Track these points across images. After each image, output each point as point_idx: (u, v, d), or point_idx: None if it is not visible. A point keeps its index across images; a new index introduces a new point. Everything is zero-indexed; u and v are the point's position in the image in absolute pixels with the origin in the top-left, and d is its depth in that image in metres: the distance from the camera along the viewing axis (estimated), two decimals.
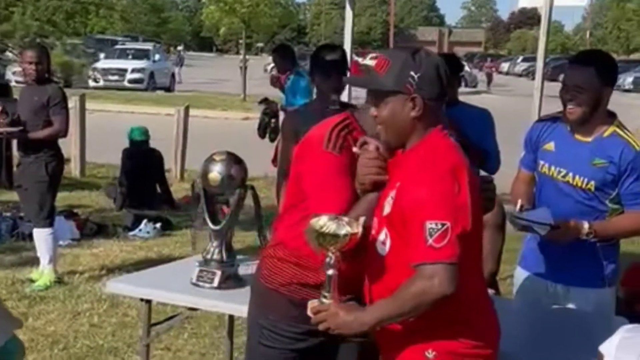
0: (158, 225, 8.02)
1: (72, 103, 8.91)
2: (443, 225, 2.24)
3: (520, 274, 3.49)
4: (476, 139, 4.12)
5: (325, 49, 4.35)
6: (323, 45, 4.59)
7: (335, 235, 2.30)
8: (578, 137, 3.26)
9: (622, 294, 4.45)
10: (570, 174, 3.26)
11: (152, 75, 29.59)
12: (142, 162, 8.72)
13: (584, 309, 3.30)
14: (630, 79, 39.62)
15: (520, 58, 57.24)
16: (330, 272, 2.33)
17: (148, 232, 7.88)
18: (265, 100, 8.36)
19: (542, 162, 3.36)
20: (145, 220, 7.99)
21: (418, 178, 2.32)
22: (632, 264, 4.74)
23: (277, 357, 2.71)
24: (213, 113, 20.86)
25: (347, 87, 4.42)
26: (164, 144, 10.08)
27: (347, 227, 2.31)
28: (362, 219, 2.36)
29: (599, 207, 3.25)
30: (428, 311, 2.29)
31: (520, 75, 49.42)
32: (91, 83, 28.10)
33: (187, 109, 11.46)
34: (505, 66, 56.70)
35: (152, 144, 9.23)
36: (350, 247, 2.33)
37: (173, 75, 31.39)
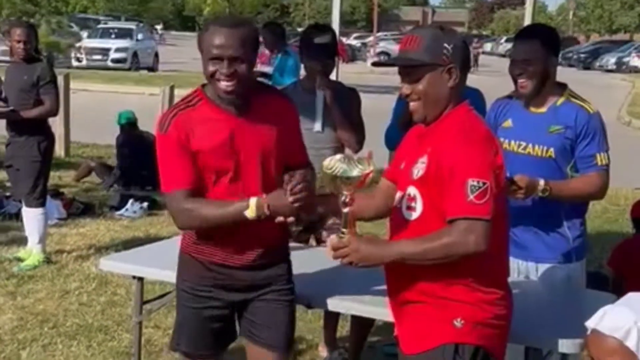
0: (145, 204, 8.04)
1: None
2: (484, 184, 2.33)
3: None
4: None
5: (315, 29, 4.37)
6: (313, 25, 4.60)
7: (348, 177, 2.41)
8: (533, 109, 3.36)
9: (611, 274, 4.52)
10: (530, 145, 3.34)
11: (135, 54, 29.35)
12: (136, 147, 8.74)
13: (555, 284, 3.37)
14: (613, 60, 39.85)
15: (504, 39, 57.29)
16: (346, 210, 2.43)
17: (135, 212, 7.90)
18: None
19: (502, 139, 3.39)
20: (131, 200, 8.01)
21: (457, 141, 2.40)
22: (618, 244, 4.77)
23: (196, 316, 2.93)
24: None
25: (335, 68, 4.42)
26: (145, 124, 9.97)
27: (359, 166, 2.41)
28: (371, 154, 2.50)
29: (559, 175, 3.31)
30: (453, 270, 2.38)
31: (503, 56, 49.34)
32: (74, 62, 27.91)
33: (172, 88, 11.41)
34: (488, 46, 56.75)
35: (139, 124, 9.28)
36: (364, 184, 2.44)
37: (157, 54, 31.13)
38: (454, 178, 2.35)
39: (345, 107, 4.24)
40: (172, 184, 2.69)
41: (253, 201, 2.59)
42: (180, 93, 13.84)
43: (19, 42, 5.89)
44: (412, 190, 2.50)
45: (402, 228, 2.54)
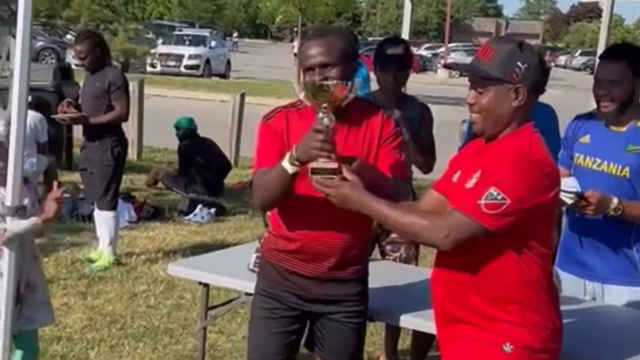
0: (212, 210, 8.15)
1: (131, 87, 8.95)
2: (503, 200, 2.29)
3: (558, 274, 3.48)
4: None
5: (389, 42, 4.39)
6: (388, 38, 4.61)
7: (323, 86, 2.54)
8: (613, 128, 3.30)
9: None
10: (605, 162, 3.29)
11: (208, 61, 29.91)
12: (201, 154, 8.88)
13: (619, 308, 3.31)
14: None
15: (579, 52, 56.33)
16: (326, 120, 2.53)
17: (203, 217, 8.00)
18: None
19: (577, 155, 3.39)
20: (200, 206, 8.12)
21: (508, 157, 2.36)
22: None
23: (266, 320, 2.96)
24: (267, 100, 21.07)
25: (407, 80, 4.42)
26: (215, 130, 10.19)
27: (334, 81, 2.58)
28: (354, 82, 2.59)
29: (632, 195, 3.24)
30: (508, 291, 2.36)
31: (577, 69, 48.62)
32: (149, 68, 28.47)
33: (242, 96, 11.56)
34: (562, 59, 55.82)
35: (205, 130, 9.42)
36: (339, 99, 2.54)
37: (229, 62, 31.57)
38: (483, 179, 2.34)
39: (416, 125, 4.24)
40: (259, 164, 2.79)
41: (288, 152, 2.66)
42: (251, 101, 14.17)
43: (80, 58, 6.05)
44: None
45: None
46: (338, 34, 2.80)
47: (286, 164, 2.63)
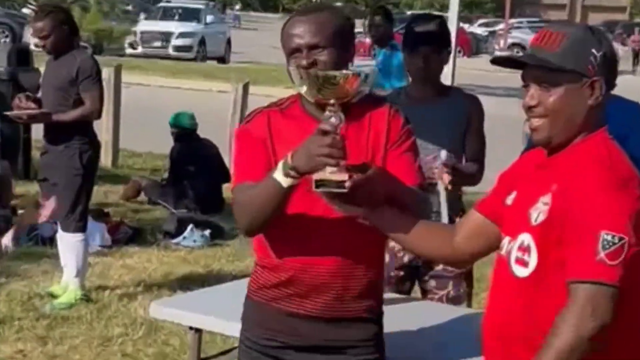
0: (207, 232, 8.10)
1: (105, 75, 8.98)
2: (621, 239, 2.28)
3: None
4: (621, 140, 4.05)
5: (420, 18, 4.42)
6: (420, 14, 4.66)
7: (330, 78, 2.55)
8: None
9: None
10: None
11: (202, 41, 29.72)
12: (196, 161, 8.95)
13: None
14: None
15: None
16: (334, 120, 2.54)
17: (194, 241, 7.95)
18: None
19: None
20: (191, 226, 8.04)
21: (594, 181, 2.35)
22: None
23: None
24: (278, 91, 20.89)
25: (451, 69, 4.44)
26: (210, 129, 10.17)
27: (344, 72, 2.60)
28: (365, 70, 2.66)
29: None
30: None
31: None
32: (128, 50, 28.41)
33: (246, 86, 11.52)
34: None
35: (198, 129, 9.52)
36: (349, 94, 2.58)
37: (229, 41, 31.29)
38: (583, 227, 2.31)
39: (460, 124, 4.27)
40: (241, 177, 2.85)
41: (281, 161, 2.68)
42: (256, 91, 14.01)
43: (41, 38, 6.00)
44: (526, 239, 2.44)
45: (507, 288, 2.49)
46: (330, 12, 2.90)
47: (279, 175, 2.65)
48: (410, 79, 4.50)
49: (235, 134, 2.93)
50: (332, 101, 2.56)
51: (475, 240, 2.68)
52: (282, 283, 2.88)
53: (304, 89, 2.64)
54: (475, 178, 4.29)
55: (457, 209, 4.22)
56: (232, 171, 3.00)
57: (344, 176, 2.52)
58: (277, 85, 21.66)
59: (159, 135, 9.51)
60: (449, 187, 4.00)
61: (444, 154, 4.01)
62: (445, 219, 3.98)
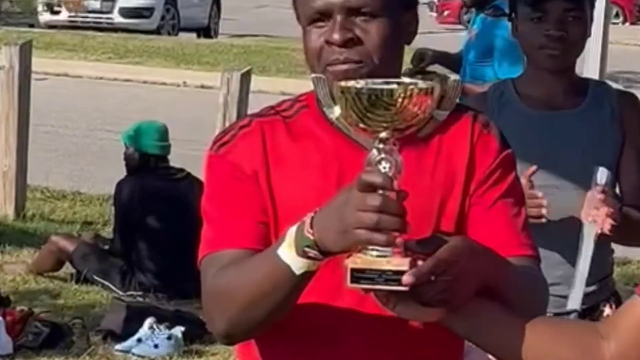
0: (177, 331, 6.39)
1: (5, 59, 8.06)
2: None
3: None
4: None
5: None
6: None
7: (380, 93, 1.97)
8: None
9: None
10: None
11: (171, 2, 22.74)
12: (160, 206, 7.16)
13: None
14: None
15: None
16: (387, 167, 1.98)
17: (156, 346, 6.31)
18: (420, 59, 6.57)
19: None
20: (149, 320, 6.38)
21: None
22: None
23: None
24: (291, 83, 14.48)
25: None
26: (190, 149, 8.85)
27: (410, 81, 2.03)
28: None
29: None
30: None
31: None
32: (44, 17, 22.53)
33: (246, 76, 9.14)
34: None
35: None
36: (417, 119, 2.03)
37: (217, 3, 23.72)
38: None
39: (609, 143, 3.68)
40: (212, 241, 2.28)
41: (293, 229, 2.08)
42: (263, 85, 11.58)
43: None
44: None
45: None
46: None
47: (289, 253, 2.07)
48: (526, 64, 3.84)
49: (206, 163, 2.34)
50: (384, 134, 1.99)
51: None
52: None
53: (336, 112, 2.07)
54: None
55: (607, 290, 3.71)
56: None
57: (402, 263, 1.96)
58: (288, 74, 17.14)
59: (94, 160, 7.94)
60: (607, 231, 3.42)
61: (602, 173, 3.51)
62: (577, 298, 3.48)
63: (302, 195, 2.21)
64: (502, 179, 2.34)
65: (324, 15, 2.24)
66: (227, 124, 8.93)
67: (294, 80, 14.86)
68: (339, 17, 2.20)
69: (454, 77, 2.20)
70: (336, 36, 2.18)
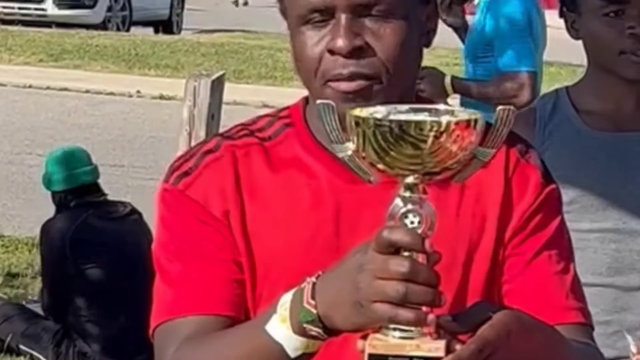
0: None
1: None
2: None
3: None
4: None
5: None
6: None
7: (414, 128, 1.68)
8: None
9: None
10: None
11: None
12: (100, 251, 6.35)
13: None
14: None
15: None
16: (415, 221, 1.71)
17: None
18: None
19: None
20: None
21: None
22: None
23: None
24: (275, 92, 13.50)
25: None
26: (142, 178, 8.32)
27: (445, 116, 1.72)
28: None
29: None
30: None
31: None
32: None
33: (217, 83, 8.24)
34: None
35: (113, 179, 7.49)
36: (457, 159, 1.76)
37: None
38: None
39: None
40: (175, 307, 2.05)
41: (288, 297, 1.83)
42: (240, 95, 10.19)
43: None
44: None
45: None
46: None
47: (282, 329, 1.85)
48: (588, 70, 3.34)
49: (159, 199, 2.08)
50: (411, 179, 1.74)
51: None
52: None
53: (348, 150, 1.75)
54: None
55: None
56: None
57: (437, 347, 1.68)
58: (283, 82, 15.60)
59: (24, 196, 7.50)
60: None
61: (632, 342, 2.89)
62: None
63: (287, 244, 1.99)
64: (546, 223, 2.12)
65: (323, 13, 2.01)
66: (195, 142, 8.03)
67: (279, 88, 13.84)
68: (344, 18, 1.95)
69: (503, 106, 1.83)
70: (341, 43, 1.92)
